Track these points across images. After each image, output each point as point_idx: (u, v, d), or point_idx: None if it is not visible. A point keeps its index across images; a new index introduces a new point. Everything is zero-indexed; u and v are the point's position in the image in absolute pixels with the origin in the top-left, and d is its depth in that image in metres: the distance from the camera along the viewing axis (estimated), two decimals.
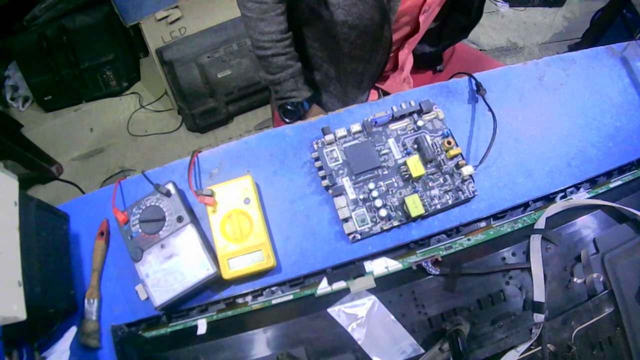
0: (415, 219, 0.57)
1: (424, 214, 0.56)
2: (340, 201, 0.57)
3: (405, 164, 0.58)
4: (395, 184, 0.59)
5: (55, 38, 1.76)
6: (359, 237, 0.57)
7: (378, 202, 0.57)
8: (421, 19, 0.69)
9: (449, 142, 0.59)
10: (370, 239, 0.57)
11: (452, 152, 0.59)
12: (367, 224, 0.57)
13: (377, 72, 0.74)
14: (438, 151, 0.60)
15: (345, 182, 0.59)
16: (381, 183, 0.58)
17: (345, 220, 0.57)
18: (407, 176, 0.58)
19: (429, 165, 0.59)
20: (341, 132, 0.61)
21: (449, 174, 0.59)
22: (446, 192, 0.58)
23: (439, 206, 0.57)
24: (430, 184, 0.58)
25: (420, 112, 0.62)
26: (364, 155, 0.59)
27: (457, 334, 0.45)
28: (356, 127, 0.61)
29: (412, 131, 0.61)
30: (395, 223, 0.57)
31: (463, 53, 0.92)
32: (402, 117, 0.62)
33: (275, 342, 0.50)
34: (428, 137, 0.60)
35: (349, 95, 0.80)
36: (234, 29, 1.54)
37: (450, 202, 0.58)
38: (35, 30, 1.77)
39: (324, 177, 0.59)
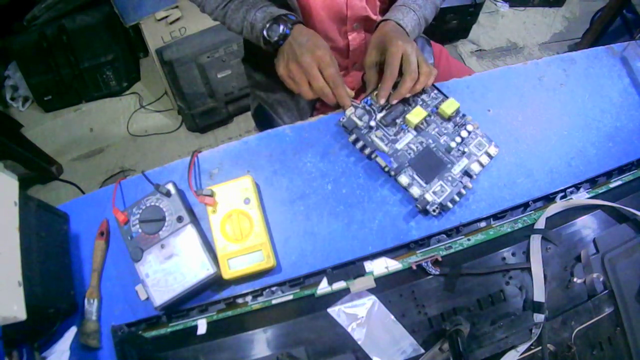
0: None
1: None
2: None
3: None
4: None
5: (55, 38, 1.76)
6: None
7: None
8: (350, 38, 0.72)
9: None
10: (370, 239, 0.57)
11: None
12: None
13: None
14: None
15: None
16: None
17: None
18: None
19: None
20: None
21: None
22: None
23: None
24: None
25: None
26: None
27: (457, 334, 0.45)
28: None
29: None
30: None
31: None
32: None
33: (275, 342, 0.50)
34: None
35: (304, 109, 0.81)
36: None
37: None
38: (35, 30, 1.76)
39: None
